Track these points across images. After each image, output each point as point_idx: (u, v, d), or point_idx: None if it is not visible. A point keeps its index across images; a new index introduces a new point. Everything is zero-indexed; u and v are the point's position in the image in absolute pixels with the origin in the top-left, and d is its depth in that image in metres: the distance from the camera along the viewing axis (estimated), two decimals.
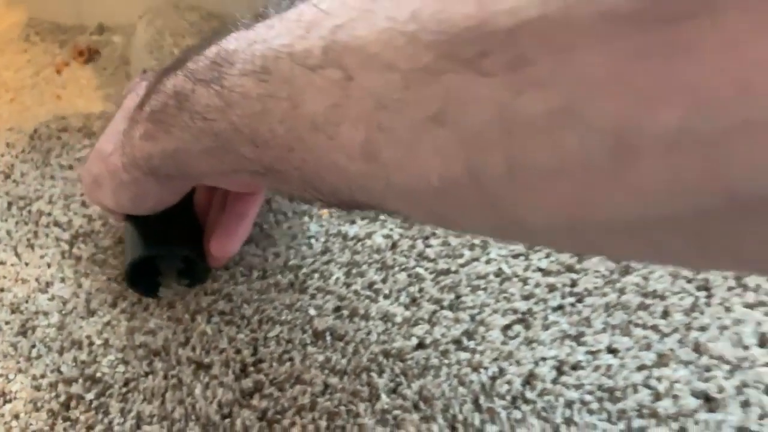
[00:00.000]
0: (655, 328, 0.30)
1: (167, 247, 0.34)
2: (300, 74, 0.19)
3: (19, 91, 0.48)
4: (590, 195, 0.15)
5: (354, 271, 0.35)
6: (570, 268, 0.33)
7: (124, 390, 0.30)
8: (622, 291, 0.32)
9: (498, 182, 0.16)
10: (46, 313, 0.34)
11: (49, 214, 0.39)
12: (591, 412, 0.28)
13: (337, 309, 0.33)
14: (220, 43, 0.24)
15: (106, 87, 0.48)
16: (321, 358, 0.31)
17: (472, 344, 0.31)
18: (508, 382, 0.29)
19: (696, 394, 0.28)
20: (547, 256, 0.34)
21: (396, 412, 0.29)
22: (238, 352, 0.32)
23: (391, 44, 0.17)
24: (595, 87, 0.14)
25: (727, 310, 0.31)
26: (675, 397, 0.28)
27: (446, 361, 0.31)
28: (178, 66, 0.26)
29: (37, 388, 0.30)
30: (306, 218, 0.38)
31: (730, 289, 0.31)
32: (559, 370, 0.30)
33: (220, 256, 0.34)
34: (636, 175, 0.14)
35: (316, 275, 0.35)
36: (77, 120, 0.46)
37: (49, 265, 0.36)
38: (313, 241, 0.36)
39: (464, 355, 0.31)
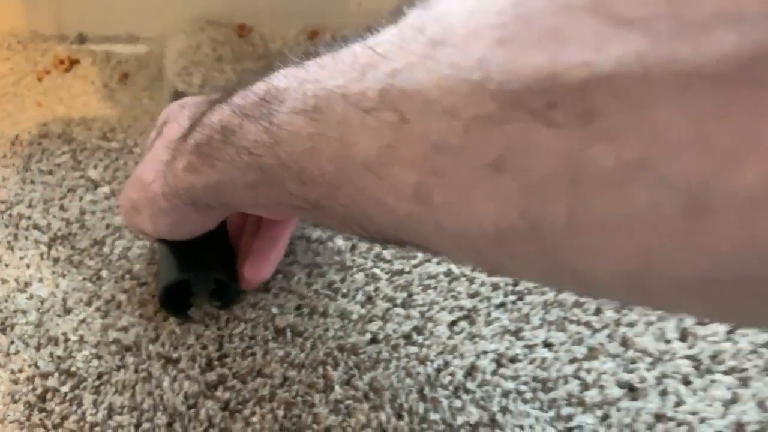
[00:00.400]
0: (587, 324, 0.33)
1: (201, 270, 0.34)
2: (353, 115, 0.19)
3: (1, 98, 0.50)
4: (657, 251, 0.14)
5: (315, 271, 0.37)
6: None
7: (97, 383, 0.32)
8: (559, 289, 0.34)
9: (558, 232, 0.16)
10: (24, 312, 0.35)
11: (29, 218, 0.41)
12: (525, 401, 0.30)
13: (298, 307, 0.35)
14: (269, 79, 0.24)
15: (85, 95, 0.50)
16: (281, 353, 0.33)
17: (420, 339, 0.33)
18: (452, 374, 0.32)
19: (621, 385, 0.30)
20: None
21: (348, 402, 0.31)
22: (204, 347, 0.34)
23: (454, 91, 0.17)
24: (672, 144, 0.13)
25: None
26: (601, 387, 0.30)
27: (396, 355, 0.33)
28: (223, 99, 0.27)
29: (15, 382, 0.32)
30: None
31: None
32: (499, 363, 0.32)
33: (254, 280, 0.35)
34: (709, 233, 0.14)
35: (280, 276, 0.37)
36: (57, 126, 0.48)
37: (28, 266, 0.38)
38: None
39: (413, 349, 0.33)
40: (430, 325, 0.34)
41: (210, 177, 0.27)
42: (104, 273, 0.38)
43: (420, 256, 0.37)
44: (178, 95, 0.45)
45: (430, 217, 0.18)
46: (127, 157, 0.45)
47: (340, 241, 0.38)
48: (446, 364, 0.32)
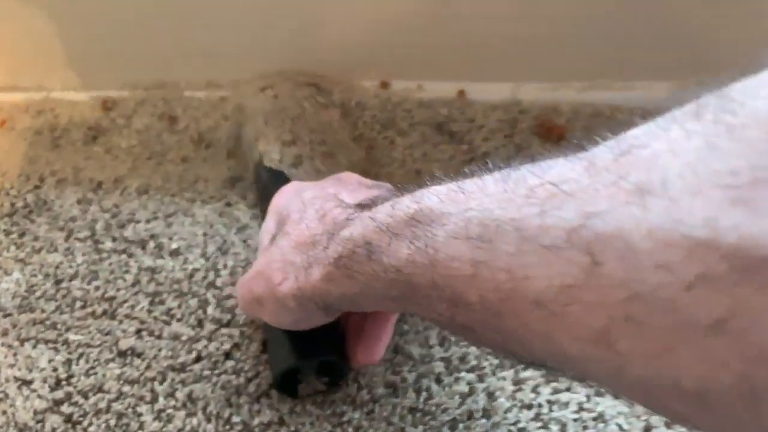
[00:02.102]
0: None
1: (315, 357, 0.35)
2: (530, 250, 0.19)
3: None
4: None
5: (157, 299, 0.43)
6: None
7: None
8: None
9: None
10: None
11: None
12: (312, 403, 0.37)
13: (139, 331, 0.41)
14: (419, 199, 0.24)
15: None
16: (118, 371, 0.39)
17: (238, 355, 0.40)
18: (258, 384, 0.38)
19: (387, 385, 0.37)
20: None
21: (169, 410, 0.37)
22: (55, 370, 0.39)
23: (671, 245, 0.16)
24: None
25: (423, 319, 0.40)
26: (371, 387, 0.37)
27: (216, 371, 0.39)
28: (361, 210, 0.27)
29: None
30: (124, 256, 0.45)
31: None
32: None
33: (368, 363, 0.35)
34: None
35: (126, 304, 0.43)
36: None
37: None
38: (127, 275, 0.44)
39: (230, 364, 0.39)
40: (246, 341, 0.40)
41: (349, 288, 0.27)
42: None
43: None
44: (273, 173, 0.45)
45: (612, 362, 0.17)
46: (3, 199, 0.50)
47: (179, 273, 0.44)
48: (256, 375, 0.39)
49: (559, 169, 0.20)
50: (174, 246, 0.46)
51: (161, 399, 0.37)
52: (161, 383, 0.38)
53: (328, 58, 0.52)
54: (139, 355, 0.40)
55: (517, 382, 0.37)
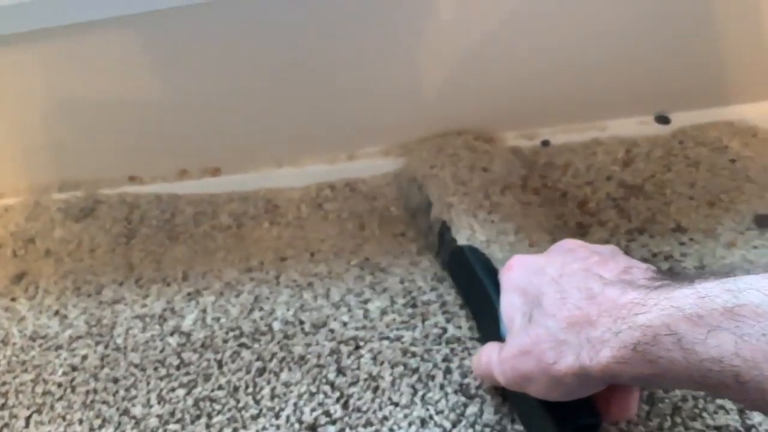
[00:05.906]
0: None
1: (573, 420, 0.35)
2: None
3: None
4: None
5: None
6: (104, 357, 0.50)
7: None
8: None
9: None
10: None
11: None
12: None
13: None
14: (734, 291, 0.24)
15: None
16: None
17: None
18: None
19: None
20: (72, 350, 0.50)
21: None
22: None
23: None
24: None
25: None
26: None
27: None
28: (646, 291, 0.27)
29: None
30: None
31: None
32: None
33: (622, 418, 0.35)
34: None
35: None
36: None
37: None
38: None
39: None
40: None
41: (645, 370, 0.26)
42: None
43: (36, 344, 0.50)
44: (456, 249, 0.46)
45: None
46: None
47: None
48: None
49: None
50: None
51: None
52: None
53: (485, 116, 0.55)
54: None
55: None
